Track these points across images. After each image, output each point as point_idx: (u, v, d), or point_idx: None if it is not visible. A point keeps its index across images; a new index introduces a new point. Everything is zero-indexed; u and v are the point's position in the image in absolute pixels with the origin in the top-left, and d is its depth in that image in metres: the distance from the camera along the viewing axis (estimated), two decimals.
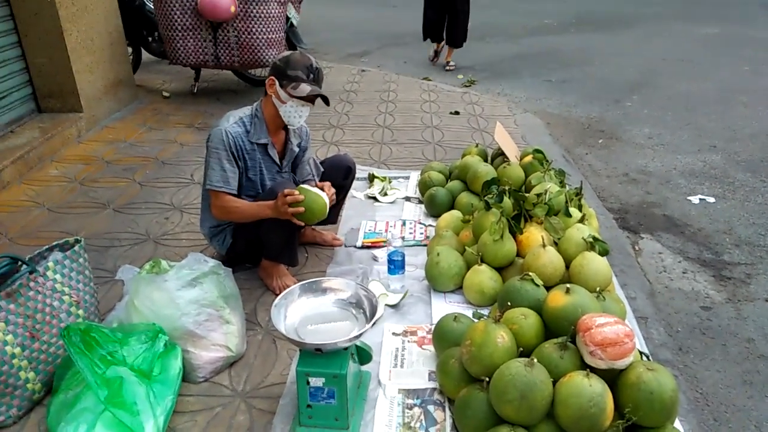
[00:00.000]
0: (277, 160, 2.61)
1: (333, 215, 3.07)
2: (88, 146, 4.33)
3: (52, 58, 4.31)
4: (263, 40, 5.00)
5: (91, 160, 4.09)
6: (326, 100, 2.55)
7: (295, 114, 2.48)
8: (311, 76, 2.44)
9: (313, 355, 1.81)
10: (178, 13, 4.85)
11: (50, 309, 2.02)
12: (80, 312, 2.14)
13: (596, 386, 1.67)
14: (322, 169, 2.81)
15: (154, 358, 1.92)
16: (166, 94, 5.62)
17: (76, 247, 2.19)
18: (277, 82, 2.43)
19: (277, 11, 4.99)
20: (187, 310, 2.04)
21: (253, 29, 4.93)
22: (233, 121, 2.49)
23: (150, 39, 5.80)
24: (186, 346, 2.05)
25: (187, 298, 2.05)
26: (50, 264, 2.06)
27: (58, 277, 2.07)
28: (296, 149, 2.67)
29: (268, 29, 4.99)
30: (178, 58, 5.16)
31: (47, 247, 2.18)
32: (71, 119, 4.44)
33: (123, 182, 3.74)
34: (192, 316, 2.05)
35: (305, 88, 2.41)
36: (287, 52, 2.49)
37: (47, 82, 4.41)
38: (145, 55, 6.01)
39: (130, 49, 5.59)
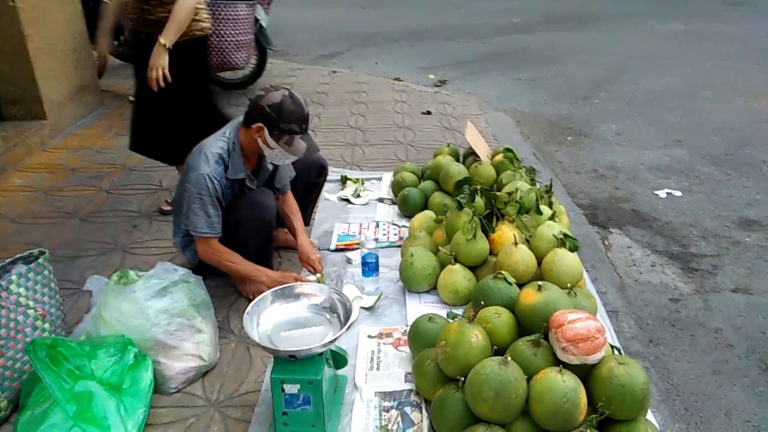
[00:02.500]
0: (254, 186, 2.55)
1: (306, 217, 3.06)
2: (53, 154, 4.23)
3: (13, 64, 4.19)
4: (232, 43, 4.94)
5: (56, 168, 3.99)
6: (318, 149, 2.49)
7: (282, 157, 2.42)
8: (303, 126, 2.36)
9: (288, 361, 1.80)
10: None
11: (14, 324, 1.96)
12: (46, 326, 2.08)
13: (569, 382, 1.69)
14: (293, 173, 2.78)
15: (124, 371, 1.89)
16: (133, 99, 5.49)
17: (41, 259, 2.13)
18: (266, 131, 2.32)
19: (245, 13, 4.94)
20: (157, 321, 2.01)
21: (222, 32, 4.88)
22: (213, 161, 2.36)
23: (116, 43, 5.69)
24: (157, 357, 2.02)
25: (156, 308, 2.02)
26: (14, 278, 2.00)
27: (22, 290, 2.01)
28: (270, 167, 2.61)
29: (237, 31, 4.94)
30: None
31: (10, 260, 2.12)
32: (35, 127, 4.32)
33: (89, 190, 3.66)
34: (162, 326, 2.01)
35: (300, 146, 2.35)
36: (277, 97, 2.30)
37: (9, 89, 4.29)
38: (112, 60, 5.88)
39: (95, 54, 5.46)
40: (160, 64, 2.87)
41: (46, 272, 2.14)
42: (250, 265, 2.46)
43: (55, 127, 4.52)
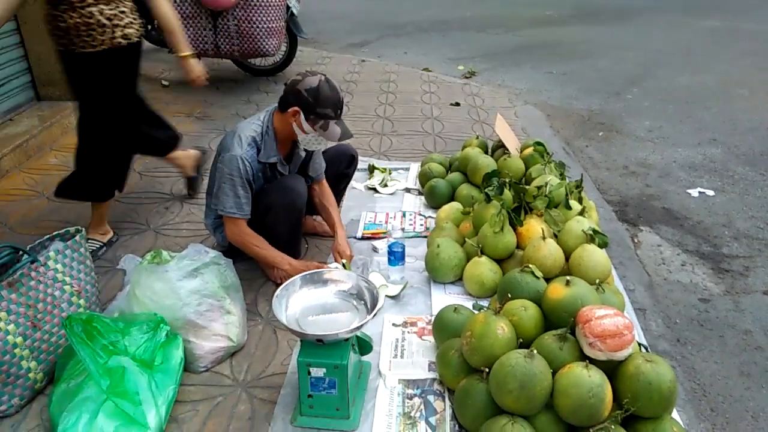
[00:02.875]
0: (286, 171, 2.59)
1: None
2: None
3: (49, 45, 4.23)
4: (263, 29, 4.97)
5: None
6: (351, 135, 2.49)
7: (315, 143, 2.46)
8: (339, 112, 2.39)
9: (314, 345, 1.82)
10: (177, 1, 4.82)
11: (51, 299, 2.03)
12: (81, 302, 2.15)
13: (595, 377, 1.68)
14: (324, 165, 2.80)
15: (156, 348, 1.93)
16: (165, 82, 5.59)
17: (77, 237, 2.19)
18: (302, 115, 2.36)
19: (277, 0, 4.96)
20: (188, 301, 2.05)
21: (254, 18, 4.91)
22: (246, 143, 2.40)
23: (149, 27, 5.77)
24: (187, 336, 2.06)
25: (188, 288, 2.06)
26: (51, 254, 2.07)
27: (59, 266, 2.08)
28: (303, 153, 2.64)
29: (269, 18, 4.97)
30: None
31: (48, 236, 2.19)
32: (70, 107, 4.40)
33: None
34: (193, 306, 2.06)
35: (336, 130, 2.38)
36: (314, 81, 2.33)
37: (46, 70, 4.38)
38: (145, 44, 5.97)
39: None
40: (201, 74, 2.87)
41: (81, 249, 2.20)
42: (274, 251, 2.49)
43: None
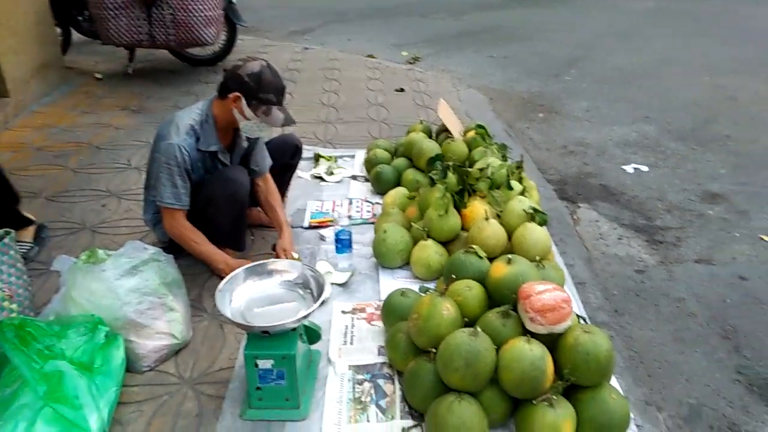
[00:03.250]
0: (228, 161, 2.53)
1: (279, 196, 3.05)
2: (17, 133, 4.11)
3: None
4: (200, 18, 4.84)
5: (20, 147, 3.88)
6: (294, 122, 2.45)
7: (258, 130, 2.41)
8: (280, 98, 2.36)
9: (261, 337, 1.81)
10: None
11: None
12: (14, 306, 2.05)
13: (537, 350, 1.73)
14: (270, 161, 2.75)
15: (95, 350, 1.87)
16: (98, 75, 5.38)
17: (6, 239, 2.09)
18: (243, 100, 2.31)
19: None
20: (128, 300, 1.99)
21: (189, 6, 4.77)
22: (184, 132, 2.34)
23: (80, 18, 5.52)
24: (128, 336, 2.01)
25: (126, 287, 2.00)
26: None
27: None
28: (245, 144, 2.59)
29: (205, 6, 4.83)
30: (111, 37, 4.94)
31: None
32: None
33: (55, 169, 3.58)
34: (133, 305, 2.00)
35: (279, 116, 2.34)
36: (255, 66, 2.30)
37: None
38: (76, 36, 5.72)
39: (58, 30, 5.30)
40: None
41: (12, 252, 2.10)
42: (211, 248, 2.44)
43: (18, 105, 4.39)
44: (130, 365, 2.02)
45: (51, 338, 1.83)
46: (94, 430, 1.73)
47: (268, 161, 2.72)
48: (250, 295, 1.94)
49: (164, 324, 2.07)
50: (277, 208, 2.72)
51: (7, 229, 2.14)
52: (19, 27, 4.39)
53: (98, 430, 1.74)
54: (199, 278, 2.54)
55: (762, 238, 3.14)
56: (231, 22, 5.43)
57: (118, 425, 1.85)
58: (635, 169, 3.96)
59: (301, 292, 1.97)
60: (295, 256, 2.55)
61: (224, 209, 2.45)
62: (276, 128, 2.53)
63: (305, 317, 1.80)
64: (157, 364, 2.08)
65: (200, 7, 4.80)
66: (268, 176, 2.75)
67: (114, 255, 2.08)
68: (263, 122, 2.37)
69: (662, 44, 7.01)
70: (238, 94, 2.31)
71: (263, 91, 2.30)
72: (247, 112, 2.33)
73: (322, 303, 2.31)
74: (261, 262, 2.02)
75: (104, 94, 4.91)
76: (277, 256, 2.57)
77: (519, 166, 2.93)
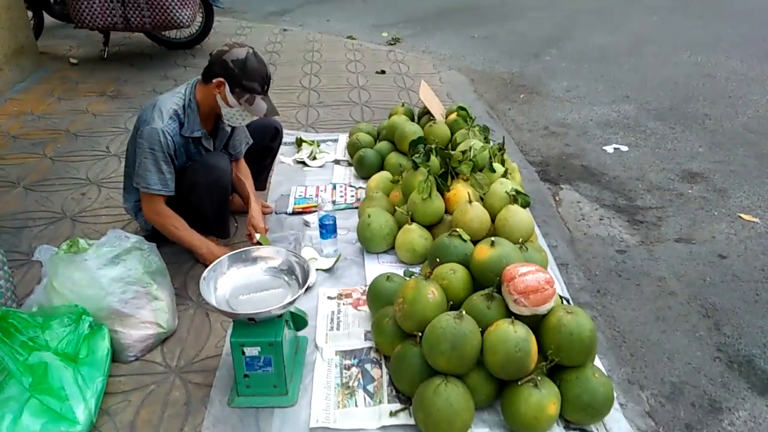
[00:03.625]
0: (211, 147, 2.50)
1: (261, 182, 3.03)
2: None
3: None
4: (176, 0, 4.74)
5: None
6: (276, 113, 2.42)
7: (239, 117, 2.38)
8: (265, 87, 2.32)
9: (247, 324, 1.81)
10: None
11: None
12: None
13: (521, 332, 1.76)
14: (251, 141, 2.73)
15: (80, 341, 1.86)
16: (73, 60, 5.26)
17: None
18: (227, 86, 2.27)
19: None
20: (111, 289, 1.98)
21: None
22: (167, 116, 2.30)
23: (51, 1, 5.38)
24: (113, 326, 1.99)
25: (109, 276, 1.98)
26: None
27: None
28: (228, 129, 2.56)
29: None
30: (84, 21, 4.83)
31: None
32: None
33: (33, 158, 3.51)
34: (117, 294, 1.98)
35: (261, 105, 2.30)
36: (242, 53, 2.25)
37: None
38: (48, 20, 5.57)
39: (30, 13, 5.15)
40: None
41: None
42: (193, 234, 2.42)
43: None
44: (116, 355, 2.01)
45: (34, 329, 1.81)
46: (81, 420, 1.73)
47: (245, 145, 2.71)
48: (235, 282, 1.94)
49: (149, 313, 2.06)
50: (245, 181, 2.71)
51: None
52: None
53: (85, 420, 1.74)
54: (183, 266, 2.53)
55: (740, 217, 3.20)
56: (207, 3, 5.33)
57: (106, 415, 1.85)
58: (615, 149, 4.00)
59: (286, 278, 1.97)
60: (258, 236, 2.54)
61: (207, 196, 2.43)
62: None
63: (291, 303, 1.81)
64: (143, 353, 2.07)
65: None
66: (242, 159, 2.75)
67: (96, 244, 2.05)
68: (246, 110, 2.34)
69: (640, 23, 7.04)
70: (221, 79, 2.27)
71: (247, 78, 2.26)
72: (230, 98, 2.30)
73: (308, 289, 2.32)
74: (245, 249, 2.01)
75: (80, 80, 4.81)
76: (248, 233, 2.56)
77: (501, 148, 2.94)
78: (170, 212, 2.39)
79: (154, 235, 2.48)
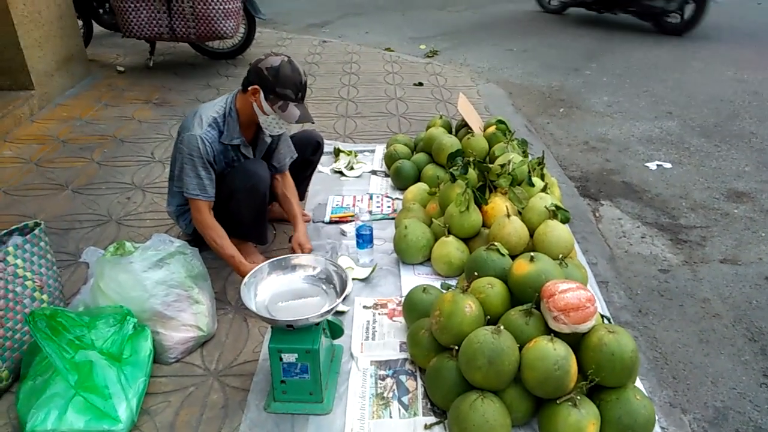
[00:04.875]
0: (250, 154, 2.55)
1: (300, 192, 3.07)
2: (42, 125, 4.17)
3: (1, 35, 4.10)
4: (220, 11, 4.86)
5: (45, 139, 3.94)
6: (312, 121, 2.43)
7: (276, 126, 2.41)
8: (299, 95, 2.33)
9: (285, 331, 1.83)
10: None
11: (13, 295, 1.97)
12: (44, 297, 2.10)
13: (560, 350, 1.73)
14: (295, 155, 2.77)
15: (124, 341, 1.91)
16: (120, 68, 5.43)
17: (36, 231, 2.13)
18: (262, 94, 2.31)
19: None
20: (155, 292, 2.02)
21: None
22: (207, 124, 2.36)
23: (101, 11, 5.58)
24: (156, 328, 2.04)
25: (154, 279, 2.03)
26: (10, 249, 2.01)
27: (19, 261, 2.02)
28: (268, 140, 2.61)
29: None
30: (132, 30, 4.98)
31: (6, 231, 2.12)
32: (22, 97, 4.26)
33: (80, 162, 3.63)
34: (160, 297, 2.03)
35: (294, 112, 2.32)
36: (276, 61, 2.30)
37: None
38: (97, 29, 5.78)
39: (80, 22, 5.36)
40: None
41: (42, 243, 2.14)
42: (232, 250, 2.41)
43: (43, 98, 4.46)
44: (158, 356, 2.05)
45: (81, 329, 1.87)
46: (123, 419, 1.77)
47: (290, 159, 2.74)
48: (275, 289, 1.97)
49: (190, 316, 2.10)
50: (292, 200, 2.73)
51: (38, 221, 2.18)
52: (43, 20, 4.45)
53: (127, 419, 1.78)
54: (222, 271, 2.57)
55: None
56: (250, 15, 5.45)
57: (146, 415, 1.89)
58: (658, 166, 3.92)
59: (324, 287, 1.99)
60: (309, 249, 2.56)
61: (245, 202, 2.46)
62: (296, 125, 2.52)
63: (329, 312, 1.82)
64: (183, 355, 2.12)
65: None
66: (287, 173, 2.77)
67: (141, 247, 2.11)
68: (280, 118, 2.38)
69: (682, 37, 6.90)
70: (257, 87, 2.32)
71: (280, 85, 2.30)
72: (265, 106, 2.34)
73: (345, 298, 2.34)
74: (284, 256, 2.04)
75: (126, 87, 4.96)
76: (293, 251, 2.59)
77: (540, 162, 2.92)
78: (214, 224, 2.42)
79: (196, 239, 2.53)
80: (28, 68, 4.26)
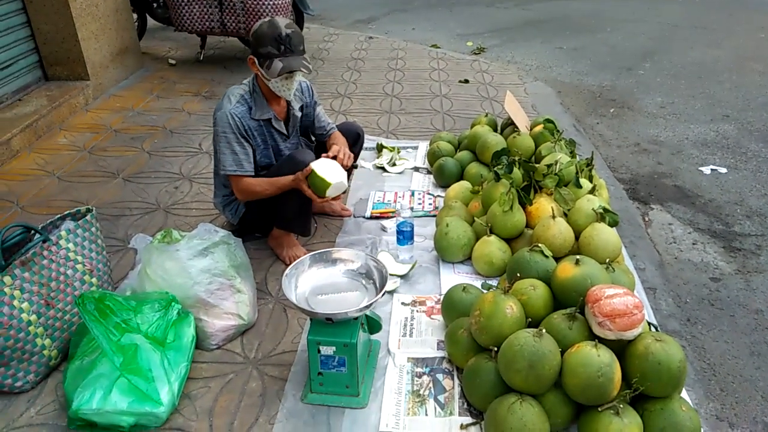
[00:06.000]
0: (284, 130, 2.59)
1: None
2: (96, 114, 4.32)
3: (57, 25, 4.27)
4: (269, 6, 4.92)
5: (99, 128, 4.08)
6: (307, 68, 2.37)
7: (283, 88, 2.41)
8: (282, 47, 2.30)
9: (324, 324, 1.84)
10: None
11: (64, 277, 2.05)
12: (93, 280, 2.17)
13: (604, 356, 1.68)
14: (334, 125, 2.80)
15: (168, 326, 1.95)
16: (172, 61, 5.57)
17: (88, 216, 2.20)
18: (256, 61, 2.36)
19: None
20: (199, 279, 2.07)
21: None
22: (235, 100, 2.43)
23: (155, 5, 5.73)
24: (198, 315, 2.08)
25: (198, 267, 2.07)
26: (63, 233, 2.08)
27: (71, 246, 2.09)
28: (299, 113, 2.65)
29: None
30: (184, 24, 5.11)
31: (59, 216, 2.20)
32: (78, 87, 4.42)
33: (132, 151, 3.74)
34: (204, 285, 2.07)
35: (277, 66, 2.30)
36: (256, 25, 2.33)
37: (53, 50, 4.38)
38: (150, 22, 5.94)
39: (135, 16, 5.52)
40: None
41: (93, 229, 2.21)
42: (274, 180, 2.44)
43: (98, 88, 4.61)
44: (199, 343, 2.10)
45: (128, 312, 1.93)
46: (165, 402, 1.81)
47: (332, 124, 2.78)
48: (315, 281, 1.98)
49: (232, 305, 2.13)
50: (336, 134, 2.75)
51: (89, 207, 2.26)
52: (100, 13, 4.60)
53: (168, 402, 1.83)
54: (264, 262, 2.60)
55: None
56: (298, 10, 5.50)
57: (187, 399, 1.93)
58: (713, 170, 3.76)
59: (363, 282, 1.99)
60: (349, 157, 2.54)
61: (290, 193, 2.48)
62: (338, 114, 2.52)
63: (368, 307, 1.82)
64: (224, 343, 2.15)
65: None
66: (336, 132, 2.78)
67: (188, 236, 2.16)
68: (266, 76, 2.35)
69: (742, 38, 6.61)
70: (251, 56, 2.37)
71: (261, 45, 2.31)
72: (261, 71, 2.36)
73: (384, 294, 2.33)
74: (326, 249, 2.05)
75: (177, 80, 5.08)
76: (332, 153, 2.49)
77: (588, 164, 2.84)
78: (255, 181, 2.45)
79: (240, 230, 2.58)
80: (85, 59, 4.42)
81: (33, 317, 1.93)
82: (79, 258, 2.12)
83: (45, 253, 2.00)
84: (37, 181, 3.37)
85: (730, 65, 5.75)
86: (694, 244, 3.03)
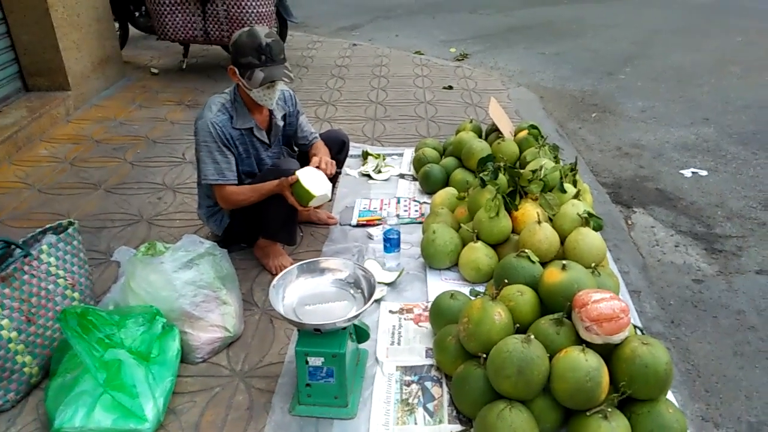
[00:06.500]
0: (266, 139, 2.58)
1: None
2: (77, 125, 4.27)
3: (37, 35, 4.21)
4: (253, 14, 4.91)
5: (80, 139, 4.03)
6: (289, 77, 2.37)
7: (265, 97, 2.40)
8: (263, 57, 2.29)
9: (312, 334, 1.82)
10: None
11: (45, 293, 2.01)
12: (76, 295, 2.13)
13: (592, 361, 1.69)
14: (317, 134, 2.79)
15: (152, 340, 1.93)
16: (154, 70, 5.52)
17: (70, 230, 2.17)
18: (237, 71, 2.35)
19: None
20: (184, 292, 2.04)
21: (243, 3, 4.84)
22: (216, 109, 2.41)
23: (137, 14, 5.69)
24: (183, 328, 2.06)
25: (183, 279, 2.05)
26: (44, 247, 2.05)
27: (52, 260, 2.06)
28: (281, 123, 2.63)
29: (258, 3, 4.90)
30: (167, 33, 5.07)
31: (40, 230, 2.16)
32: (59, 98, 4.36)
33: (114, 162, 3.70)
34: (189, 297, 2.05)
35: (258, 76, 2.29)
36: (236, 35, 2.32)
37: (34, 60, 4.32)
38: (132, 31, 5.90)
39: (116, 25, 5.47)
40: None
41: (75, 242, 2.18)
42: (257, 186, 2.44)
43: (79, 98, 4.56)
44: (185, 356, 2.07)
45: (111, 327, 1.90)
46: (150, 418, 1.78)
47: (315, 134, 2.77)
48: (302, 292, 1.97)
49: (218, 317, 2.11)
50: (318, 145, 2.73)
51: (71, 220, 2.22)
52: (81, 23, 4.55)
53: (154, 418, 1.80)
54: (250, 273, 2.58)
55: None
56: (282, 18, 5.50)
57: (172, 414, 1.90)
58: (693, 173, 3.81)
59: (351, 291, 1.98)
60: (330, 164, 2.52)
61: (276, 201, 2.47)
62: (323, 121, 2.52)
63: (356, 317, 1.81)
64: (210, 356, 2.13)
65: (253, 3, 4.87)
66: (319, 141, 2.76)
67: (172, 248, 2.13)
68: (248, 86, 2.34)
69: (720, 42, 6.73)
70: (231, 67, 2.36)
71: (241, 55, 2.30)
72: (243, 82, 2.35)
73: (372, 303, 2.32)
74: (314, 259, 2.04)
75: (160, 89, 5.04)
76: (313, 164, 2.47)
77: (572, 169, 2.86)
78: (238, 189, 2.44)
79: (225, 241, 2.55)
80: (66, 69, 4.37)
81: (13, 334, 1.90)
82: (61, 272, 2.09)
83: (26, 268, 1.96)
84: (17, 193, 3.32)
85: (710, 69, 5.84)
86: (676, 246, 3.06)
